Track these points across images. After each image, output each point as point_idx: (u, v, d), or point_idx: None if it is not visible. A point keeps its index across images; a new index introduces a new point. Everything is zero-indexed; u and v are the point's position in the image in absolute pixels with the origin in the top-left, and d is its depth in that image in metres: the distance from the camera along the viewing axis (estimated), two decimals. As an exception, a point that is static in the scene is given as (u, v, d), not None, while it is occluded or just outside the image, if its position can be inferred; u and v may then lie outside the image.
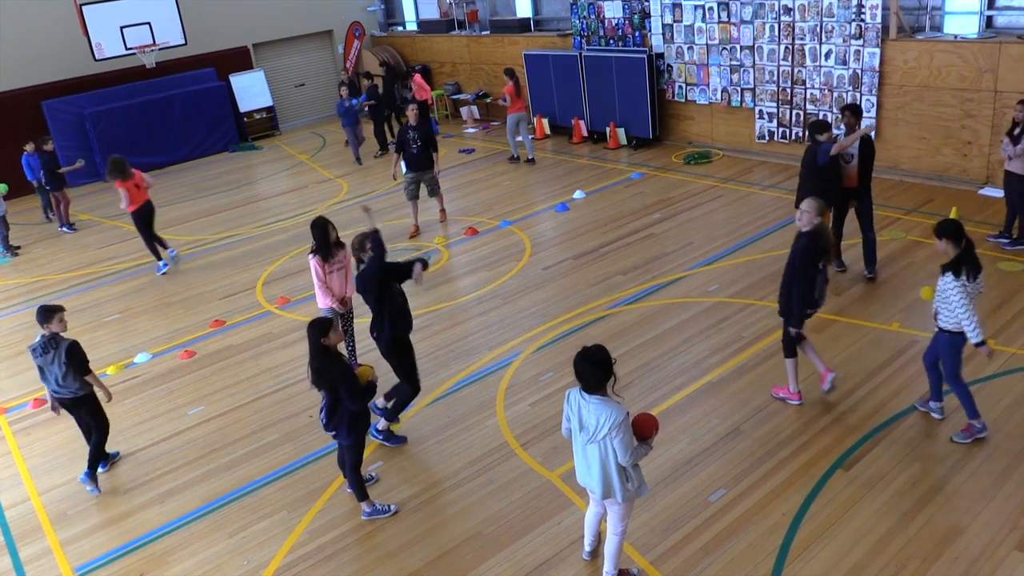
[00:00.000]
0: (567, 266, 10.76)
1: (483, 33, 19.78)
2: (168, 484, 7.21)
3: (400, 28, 23.35)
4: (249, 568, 6.08)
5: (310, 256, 8.12)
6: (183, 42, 18.61)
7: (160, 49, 18.29)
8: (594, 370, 4.78)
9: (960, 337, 6.15)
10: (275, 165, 18.62)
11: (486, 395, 7.96)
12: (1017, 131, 9.26)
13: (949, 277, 6.01)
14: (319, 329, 5.90)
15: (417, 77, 18.56)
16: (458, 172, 15.69)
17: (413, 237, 12.50)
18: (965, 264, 6.00)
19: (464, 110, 19.93)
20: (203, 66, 20.23)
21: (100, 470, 7.36)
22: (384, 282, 6.99)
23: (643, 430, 4.97)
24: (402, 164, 12.43)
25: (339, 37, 22.68)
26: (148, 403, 8.62)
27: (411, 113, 12.14)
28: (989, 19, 11.96)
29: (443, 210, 13.12)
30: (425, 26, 21.77)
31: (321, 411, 6.14)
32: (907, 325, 8.24)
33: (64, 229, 15.30)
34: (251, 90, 20.88)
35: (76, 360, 6.87)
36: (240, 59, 21.09)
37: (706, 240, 11.03)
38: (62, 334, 6.94)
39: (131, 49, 17.90)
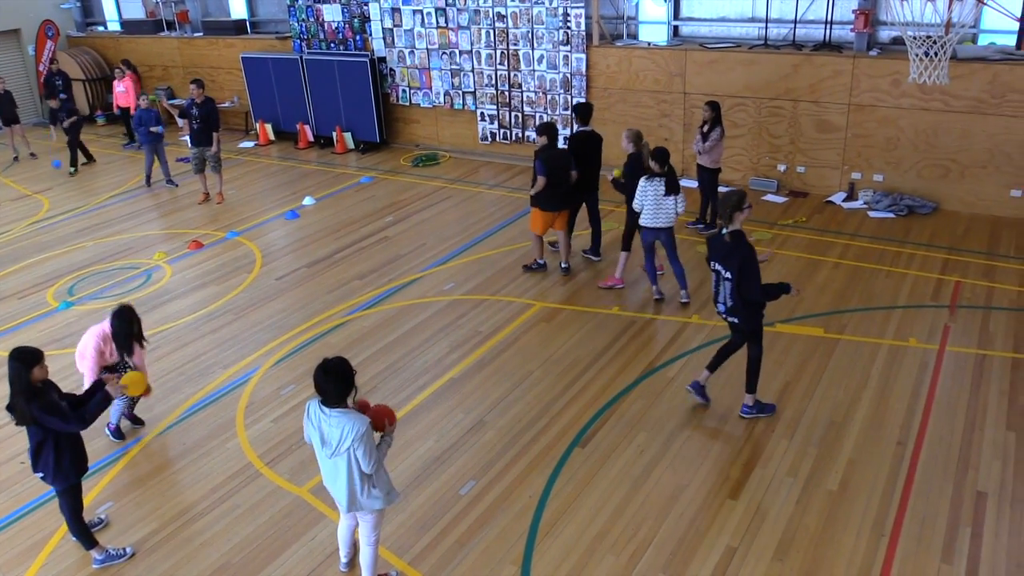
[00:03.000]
0: (301, 275, 10.51)
1: (196, 35, 18.74)
2: None
3: (101, 28, 21.48)
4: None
5: (96, 335, 6.76)
6: None
7: None
8: (335, 384, 4.68)
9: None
10: (-44, 182, 16.38)
11: (224, 416, 7.56)
12: (706, 128, 10.39)
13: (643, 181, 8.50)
14: (23, 362, 5.28)
15: (130, 77, 17.20)
16: (175, 182, 14.72)
17: (202, 203, 13.52)
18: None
19: (182, 120, 18.72)
20: None
21: None
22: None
23: (378, 421, 4.93)
24: (187, 139, 13.32)
25: (29, 37, 20.40)
26: None
27: (194, 91, 12.87)
28: (676, 28, 13.32)
29: (220, 192, 13.60)
30: (130, 26, 20.22)
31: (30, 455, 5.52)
32: (625, 308, 8.97)
33: None
34: (-83, 97, 18.17)
35: None
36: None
37: (439, 240, 11.28)
38: None
39: None
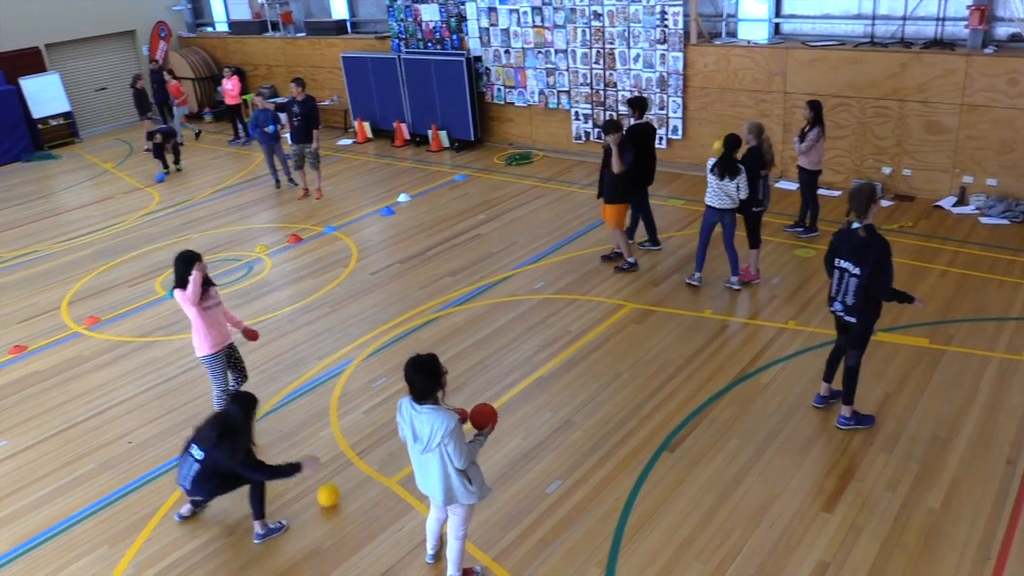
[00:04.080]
0: (395, 270, 10.70)
1: (298, 35, 19.30)
2: (-34, 529, 6.56)
3: (210, 29, 22.37)
4: (66, 610, 5.65)
5: (177, 292, 6.77)
6: (-39, 42, 16.95)
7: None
8: (423, 379, 4.76)
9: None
10: (76, 175, 17.33)
11: (319, 405, 7.77)
12: (806, 129, 10.09)
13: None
14: (244, 407, 5.86)
15: (235, 79, 17.83)
16: (295, 181, 15.19)
17: (302, 199, 13.95)
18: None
19: (283, 115, 19.32)
20: (-13, 69, 18.51)
21: None
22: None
23: (481, 420, 5.03)
24: (288, 136, 13.81)
25: (143, 38, 21.42)
26: (-62, 441, 7.78)
27: (295, 89, 13.33)
28: (777, 26, 12.98)
29: (319, 188, 14.00)
30: (237, 27, 20.98)
31: (187, 478, 5.93)
32: (717, 311, 8.79)
33: None
34: (45, 94, 19.25)
35: None
36: (31, 61, 19.41)
37: (530, 239, 11.30)
38: None
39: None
